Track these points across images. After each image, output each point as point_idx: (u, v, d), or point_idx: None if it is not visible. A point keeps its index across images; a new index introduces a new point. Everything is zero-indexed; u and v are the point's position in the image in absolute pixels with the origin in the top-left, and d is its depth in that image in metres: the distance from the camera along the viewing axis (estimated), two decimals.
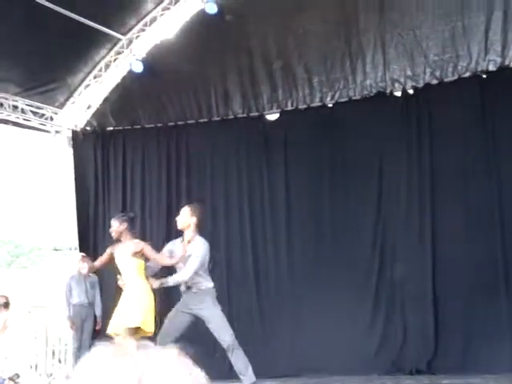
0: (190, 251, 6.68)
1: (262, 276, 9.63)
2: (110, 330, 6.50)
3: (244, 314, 9.32)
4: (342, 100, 9.49)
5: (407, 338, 8.72)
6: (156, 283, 6.67)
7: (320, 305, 8.91)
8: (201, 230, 6.90)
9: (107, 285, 10.19)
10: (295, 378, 8.11)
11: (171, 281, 6.69)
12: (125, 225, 6.65)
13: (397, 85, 9.17)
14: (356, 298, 8.99)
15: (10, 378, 10.66)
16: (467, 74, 8.79)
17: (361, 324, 8.89)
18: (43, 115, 10.57)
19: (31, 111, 10.36)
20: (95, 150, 10.71)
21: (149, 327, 6.39)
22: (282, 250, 9.55)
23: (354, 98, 9.40)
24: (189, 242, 6.72)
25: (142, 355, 0.82)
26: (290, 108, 9.81)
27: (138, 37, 10.32)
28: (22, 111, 10.23)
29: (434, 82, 8.96)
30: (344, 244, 9.17)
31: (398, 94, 9.19)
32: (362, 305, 9.00)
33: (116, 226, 6.66)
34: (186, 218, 6.78)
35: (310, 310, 8.91)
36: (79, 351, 9.84)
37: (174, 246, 6.90)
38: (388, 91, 9.20)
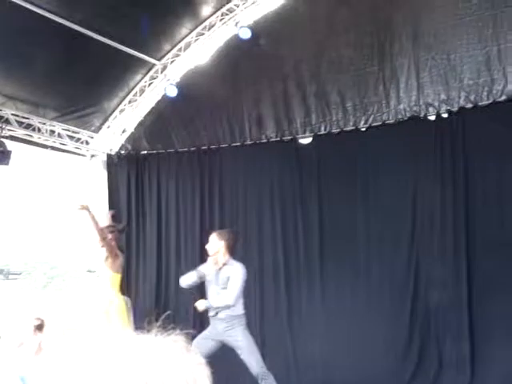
0: (228, 273, 6.69)
1: (294, 303, 9.57)
2: None
3: (275, 340, 9.27)
4: (376, 124, 9.45)
5: (442, 368, 8.53)
6: (202, 306, 6.70)
7: (354, 331, 8.82)
8: (232, 255, 6.92)
9: (140, 308, 10.24)
10: None
11: (215, 304, 6.70)
12: None
13: (431, 109, 9.10)
14: (390, 325, 8.86)
15: None
16: (502, 98, 8.69)
17: (395, 352, 8.75)
18: (79, 139, 10.73)
19: (68, 135, 10.52)
20: (129, 174, 10.82)
21: None
22: (316, 276, 9.48)
23: (387, 121, 9.36)
24: (224, 264, 6.74)
25: (144, 344, 0.82)
26: (323, 132, 9.80)
27: (172, 62, 10.45)
28: (59, 135, 10.40)
29: (469, 105, 8.88)
30: (378, 271, 9.06)
31: (432, 118, 9.12)
32: (396, 332, 8.86)
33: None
34: (214, 243, 6.82)
35: (345, 336, 8.81)
36: None
37: (204, 268, 6.93)
38: (422, 115, 9.13)
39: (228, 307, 6.66)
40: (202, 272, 6.95)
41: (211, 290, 6.88)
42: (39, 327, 10.72)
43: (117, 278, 7.49)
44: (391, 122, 9.31)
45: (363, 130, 9.53)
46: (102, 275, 6.84)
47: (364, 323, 8.81)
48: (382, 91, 9.35)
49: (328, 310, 9.19)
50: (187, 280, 7.09)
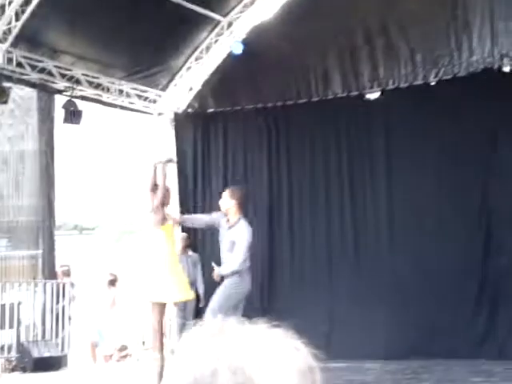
0: (233, 237, 6.68)
1: (362, 256, 9.55)
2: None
3: (344, 298, 9.30)
4: (446, 77, 9.18)
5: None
6: (216, 276, 6.76)
7: (425, 288, 8.75)
8: (243, 213, 6.89)
9: (208, 264, 10.41)
10: (398, 360, 8.01)
11: (223, 271, 6.74)
12: None
13: (505, 60, 8.76)
14: (462, 285, 8.74)
15: (119, 350, 11.15)
16: None
17: (466, 310, 8.66)
18: (147, 98, 10.85)
19: (136, 94, 10.65)
20: (196, 132, 10.90)
21: None
22: (384, 233, 9.40)
23: (458, 75, 9.07)
24: (233, 225, 6.72)
25: (243, 334, 0.82)
26: (391, 87, 9.60)
27: (238, 18, 10.37)
28: (127, 95, 10.54)
29: None
30: (447, 233, 8.90)
31: (507, 69, 8.79)
32: (467, 291, 8.75)
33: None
34: (225, 200, 6.80)
35: (415, 293, 8.76)
36: (183, 327, 10.13)
37: (218, 215, 6.95)
38: (496, 67, 8.81)
39: (235, 273, 6.69)
40: (212, 221, 6.99)
41: (221, 248, 6.93)
42: (112, 282, 11.09)
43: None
44: (462, 74, 9.03)
45: (433, 84, 9.28)
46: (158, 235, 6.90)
47: (435, 279, 8.72)
48: (453, 42, 9.04)
49: (397, 262, 9.10)
50: (195, 220, 7.29)
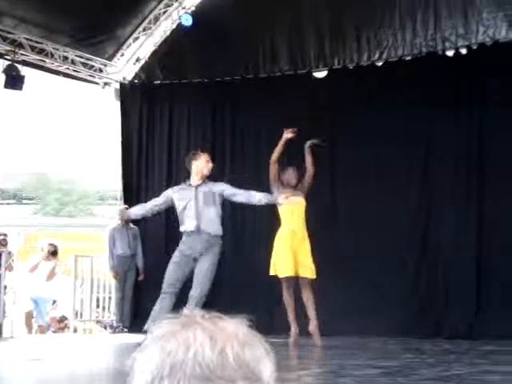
0: (209, 188, 6.93)
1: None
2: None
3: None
4: (392, 60, 9.29)
5: (448, 302, 8.68)
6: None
7: (360, 265, 8.91)
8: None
9: (148, 236, 10.37)
10: (335, 337, 8.14)
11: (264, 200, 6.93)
12: None
13: (447, 44, 8.93)
14: (398, 261, 8.96)
15: (58, 321, 11.03)
16: None
17: (403, 286, 8.87)
18: (92, 67, 10.64)
19: (81, 62, 10.43)
20: (142, 103, 10.77)
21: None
22: (325, 215, 9.48)
23: (403, 57, 9.20)
24: (201, 184, 7.00)
25: (214, 326, 0.83)
26: (337, 66, 9.66)
27: None
28: (72, 62, 10.32)
29: (488, 41, 8.70)
30: (389, 207, 9.08)
31: (451, 53, 8.96)
32: (403, 268, 8.98)
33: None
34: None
35: (350, 270, 8.89)
36: (122, 301, 10.08)
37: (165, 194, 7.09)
38: (439, 50, 8.96)
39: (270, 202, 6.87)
40: (164, 200, 7.05)
41: (192, 206, 6.86)
42: (53, 253, 10.92)
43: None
44: (408, 58, 9.16)
45: (379, 64, 9.38)
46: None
47: (373, 254, 8.90)
48: (397, 23, 9.16)
49: (338, 244, 9.22)
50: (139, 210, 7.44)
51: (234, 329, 0.83)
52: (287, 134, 7.51)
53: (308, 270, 7.39)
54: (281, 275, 7.40)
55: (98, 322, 10.98)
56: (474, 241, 8.67)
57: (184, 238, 6.97)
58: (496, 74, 8.57)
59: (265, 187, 9.63)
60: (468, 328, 8.42)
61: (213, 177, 7.41)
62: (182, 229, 6.95)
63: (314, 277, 7.45)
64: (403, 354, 6.58)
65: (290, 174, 7.57)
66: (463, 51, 8.88)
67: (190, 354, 0.79)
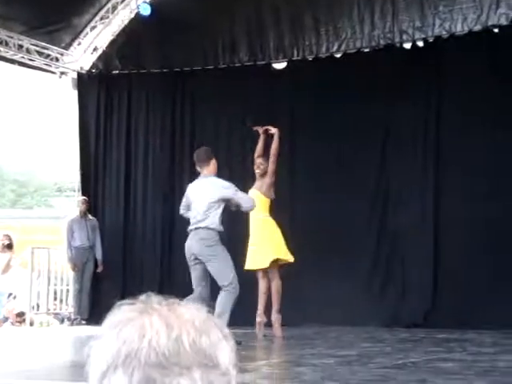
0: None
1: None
2: (259, 265, 7.32)
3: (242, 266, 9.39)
4: (350, 51, 9.36)
5: (406, 291, 8.82)
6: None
7: (320, 256, 8.97)
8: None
9: (107, 228, 10.29)
10: (294, 327, 8.21)
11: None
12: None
13: (405, 36, 9.04)
14: (356, 250, 9.05)
15: (17, 314, 10.86)
16: (477, 28, 8.65)
17: (360, 276, 8.97)
18: (48, 56, 10.47)
19: (36, 51, 10.25)
20: (100, 93, 10.65)
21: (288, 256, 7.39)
22: (285, 207, 9.52)
23: (361, 49, 9.28)
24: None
25: (170, 312, 0.82)
26: (296, 58, 9.69)
27: None
28: (27, 51, 10.13)
29: (444, 34, 8.83)
30: (346, 196, 9.17)
31: (408, 46, 9.07)
32: (362, 257, 9.08)
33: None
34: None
35: (310, 261, 8.94)
36: (80, 293, 9.98)
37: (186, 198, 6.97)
38: (397, 42, 9.07)
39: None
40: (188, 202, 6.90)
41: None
42: (8, 246, 10.74)
43: (268, 202, 7.51)
44: (366, 50, 9.24)
45: (338, 56, 9.45)
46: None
47: (330, 245, 8.96)
48: (355, 16, 9.23)
49: (294, 234, 9.26)
50: None
51: (192, 315, 0.82)
52: (262, 133, 7.66)
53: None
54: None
55: (55, 314, 10.85)
56: (432, 229, 8.79)
57: None
58: (452, 66, 8.71)
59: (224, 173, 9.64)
60: (424, 316, 8.56)
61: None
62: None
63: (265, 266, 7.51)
64: (361, 343, 6.66)
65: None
66: (420, 44, 8.99)
67: (144, 342, 0.78)
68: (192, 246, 6.50)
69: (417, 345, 6.56)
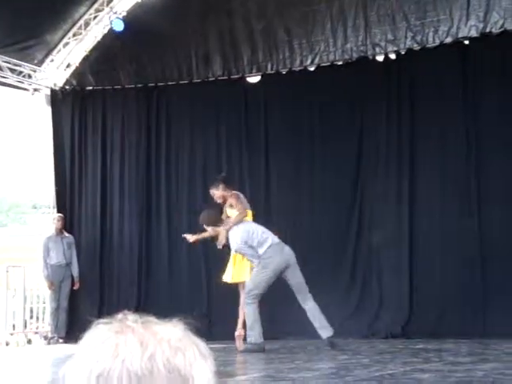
0: None
1: None
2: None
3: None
4: (324, 64, 9.43)
5: (383, 303, 8.84)
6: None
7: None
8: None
9: (83, 245, 10.21)
10: (274, 340, 8.18)
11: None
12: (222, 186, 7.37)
13: (377, 49, 9.13)
14: (333, 263, 9.07)
15: None
16: (448, 40, 8.76)
17: (338, 289, 8.98)
18: (21, 73, 10.40)
19: (8, 68, 10.18)
20: (74, 110, 10.59)
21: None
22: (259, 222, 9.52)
23: (335, 62, 9.35)
24: None
25: (146, 330, 0.81)
26: (270, 71, 9.74)
27: None
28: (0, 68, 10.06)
29: (416, 46, 8.93)
30: (322, 210, 9.21)
31: (380, 58, 9.15)
32: (339, 270, 9.09)
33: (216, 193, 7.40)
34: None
35: None
36: (57, 311, 9.88)
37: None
38: (370, 55, 9.15)
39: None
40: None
41: None
42: None
43: None
44: (339, 62, 9.32)
45: (311, 69, 9.51)
46: None
47: (307, 258, 8.93)
48: (329, 29, 9.30)
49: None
50: None
51: (167, 333, 0.81)
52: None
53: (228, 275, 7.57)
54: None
55: (34, 333, 10.72)
56: (407, 243, 8.83)
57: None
58: (424, 77, 8.81)
59: (199, 189, 9.63)
60: (402, 327, 8.59)
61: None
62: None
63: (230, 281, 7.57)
64: (339, 356, 6.66)
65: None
66: (392, 56, 9.08)
67: (117, 361, 0.77)
68: None
69: (395, 356, 6.57)
